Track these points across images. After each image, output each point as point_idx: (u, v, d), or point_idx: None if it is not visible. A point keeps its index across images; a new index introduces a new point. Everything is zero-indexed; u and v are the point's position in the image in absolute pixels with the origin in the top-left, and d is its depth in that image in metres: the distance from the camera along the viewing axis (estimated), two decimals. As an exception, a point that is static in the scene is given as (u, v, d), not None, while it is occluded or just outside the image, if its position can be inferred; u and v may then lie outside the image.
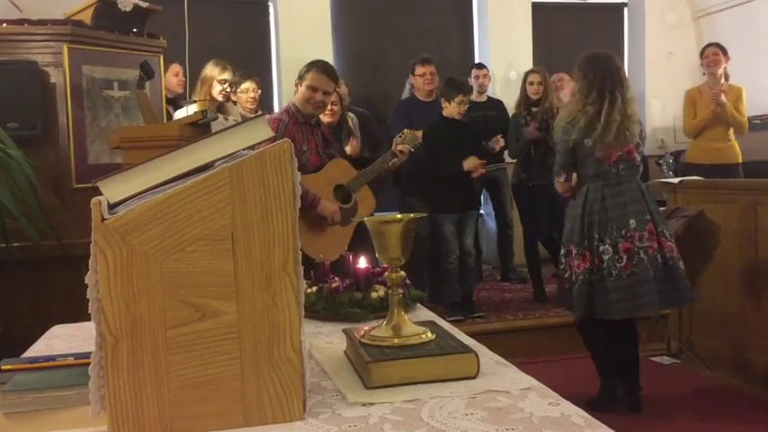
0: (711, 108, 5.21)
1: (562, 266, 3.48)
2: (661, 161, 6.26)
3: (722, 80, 5.33)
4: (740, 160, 5.33)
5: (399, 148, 3.96)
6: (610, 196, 3.31)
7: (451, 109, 4.74)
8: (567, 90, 5.57)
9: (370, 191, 3.90)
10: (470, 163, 4.70)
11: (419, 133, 4.44)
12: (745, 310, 3.95)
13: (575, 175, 3.44)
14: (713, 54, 5.31)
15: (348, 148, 4.88)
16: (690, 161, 5.48)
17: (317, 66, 3.69)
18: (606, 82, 3.33)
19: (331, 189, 3.73)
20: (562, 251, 3.48)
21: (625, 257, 3.25)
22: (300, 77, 3.67)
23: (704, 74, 5.44)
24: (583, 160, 3.37)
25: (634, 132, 3.34)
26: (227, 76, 4.62)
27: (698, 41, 7.49)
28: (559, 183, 3.49)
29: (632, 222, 3.28)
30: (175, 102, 5.06)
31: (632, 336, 3.49)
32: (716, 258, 4.14)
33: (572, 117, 3.39)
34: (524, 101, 5.46)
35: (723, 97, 5.13)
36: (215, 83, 4.58)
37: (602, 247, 3.29)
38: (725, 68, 5.33)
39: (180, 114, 4.48)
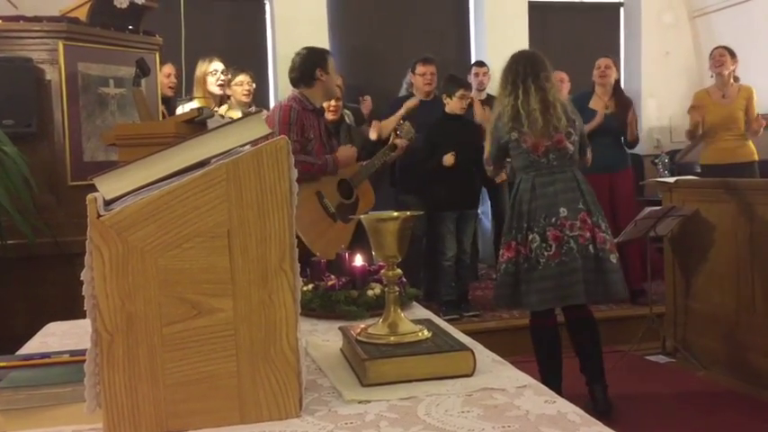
0: (718, 113, 5.28)
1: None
2: (657, 160, 6.27)
3: (730, 81, 5.37)
4: (756, 158, 5.36)
5: (397, 141, 3.99)
6: (540, 186, 3.31)
7: (453, 104, 4.76)
8: (564, 90, 5.58)
9: (369, 186, 3.93)
10: (448, 159, 4.69)
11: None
12: (740, 309, 3.96)
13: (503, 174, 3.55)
14: (719, 55, 5.36)
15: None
16: (705, 163, 5.52)
17: (329, 52, 3.88)
18: (518, 74, 3.36)
19: (335, 183, 3.76)
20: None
21: (554, 246, 3.22)
22: (324, 66, 3.74)
23: (712, 76, 5.47)
24: (513, 153, 3.40)
25: (561, 119, 3.32)
26: (216, 66, 4.62)
27: (694, 41, 7.51)
28: (490, 171, 3.65)
29: (563, 211, 3.26)
30: (167, 103, 5.04)
31: (592, 331, 3.43)
32: (711, 257, 4.15)
33: (497, 113, 3.43)
34: None
35: (698, 117, 5.25)
36: (207, 77, 4.58)
37: (530, 236, 3.27)
38: (733, 70, 5.36)
39: (179, 112, 4.48)
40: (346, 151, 3.78)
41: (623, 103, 5.18)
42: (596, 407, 3.32)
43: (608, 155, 4.96)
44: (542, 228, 3.25)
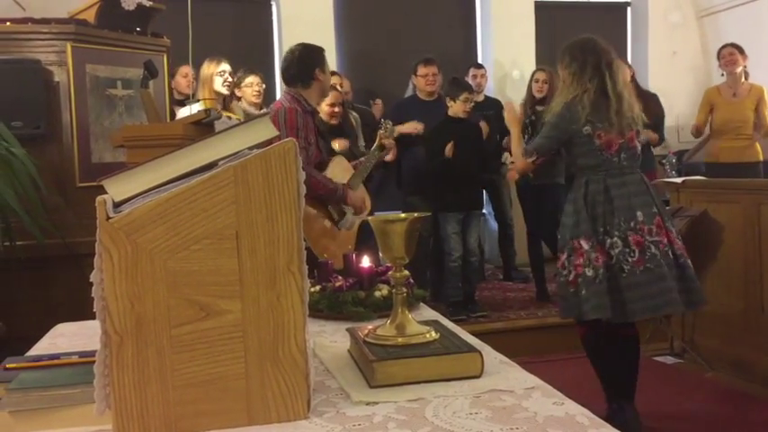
0: (728, 111, 5.26)
1: (564, 270, 3.08)
2: (664, 161, 6.24)
3: (742, 79, 5.34)
4: (761, 158, 5.34)
5: (384, 141, 3.97)
6: (613, 187, 3.02)
7: (457, 108, 4.76)
8: None
9: (365, 190, 3.92)
10: (448, 150, 4.68)
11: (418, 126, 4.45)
12: (748, 310, 3.94)
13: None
14: (729, 54, 5.33)
15: (336, 145, 4.89)
16: (710, 160, 5.50)
17: (321, 48, 3.76)
18: (601, 57, 3.07)
19: None
20: (564, 253, 3.09)
21: (637, 251, 2.93)
22: (322, 67, 3.64)
23: (723, 74, 5.44)
24: (581, 150, 3.07)
25: (636, 112, 3.09)
26: (224, 66, 4.63)
27: (701, 41, 7.48)
28: (523, 162, 3.23)
29: (639, 215, 2.98)
30: (183, 103, 5.06)
31: (637, 352, 3.16)
32: (719, 258, 4.13)
33: (567, 100, 3.08)
34: (530, 100, 5.46)
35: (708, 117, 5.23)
36: (214, 77, 4.59)
37: (609, 241, 2.97)
38: (744, 67, 5.33)
39: (183, 113, 4.49)
40: (358, 196, 3.68)
41: (646, 98, 5.16)
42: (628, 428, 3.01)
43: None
44: (623, 231, 2.96)
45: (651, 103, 5.13)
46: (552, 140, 3.15)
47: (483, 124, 5.34)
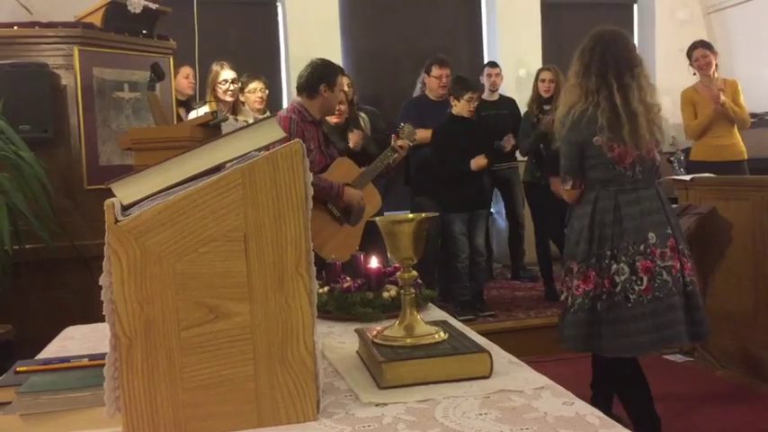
0: (712, 108, 5.18)
1: (562, 291, 2.94)
2: (672, 158, 6.21)
3: (715, 75, 5.30)
4: (745, 157, 5.30)
5: (399, 143, 3.98)
6: (625, 205, 2.74)
7: (461, 107, 4.74)
8: None
9: (374, 189, 3.92)
10: (478, 162, 4.69)
11: (428, 132, 4.40)
12: (757, 308, 3.92)
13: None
14: (703, 57, 5.24)
15: (351, 139, 4.89)
16: (694, 159, 5.46)
17: (340, 69, 3.85)
18: (609, 66, 2.75)
19: None
20: (563, 271, 2.94)
21: (645, 279, 2.68)
22: (330, 83, 3.67)
23: (695, 74, 5.38)
24: (591, 162, 2.79)
25: (661, 126, 2.79)
26: (226, 75, 4.64)
27: (709, 38, 7.43)
28: (567, 191, 2.88)
29: (651, 236, 2.72)
30: (187, 104, 5.08)
31: (645, 389, 2.94)
32: (728, 256, 4.11)
33: (574, 110, 2.80)
34: (536, 99, 5.45)
35: (723, 97, 5.10)
36: (217, 86, 4.61)
37: (614, 267, 2.71)
38: (716, 66, 5.28)
39: (191, 116, 4.50)
40: (355, 194, 3.70)
41: None
42: None
43: None
44: (631, 257, 2.70)
45: None
46: (573, 157, 2.83)
47: (509, 139, 5.36)
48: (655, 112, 2.79)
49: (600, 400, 3.07)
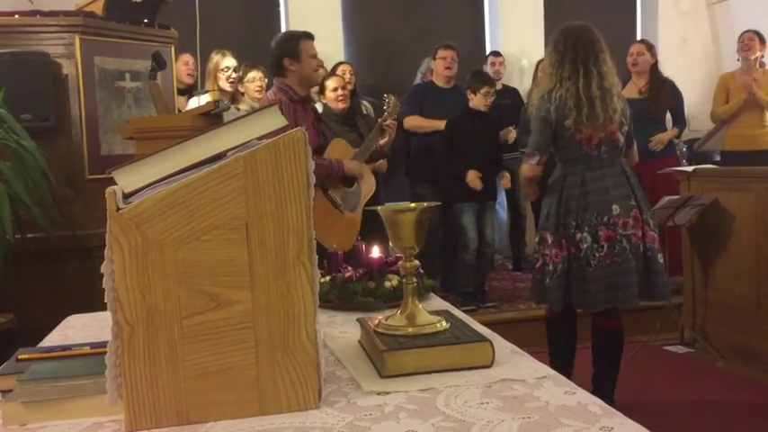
0: (743, 96, 5.20)
1: (536, 255, 3.29)
2: (675, 149, 6.21)
3: (757, 66, 5.31)
4: None
5: (388, 122, 3.94)
6: (590, 181, 3.07)
7: (477, 101, 4.76)
8: None
9: (368, 169, 3.90)
10: (471, 178, 4.67)
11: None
12: (759, 299, 3.92)
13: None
14: (749, 39, 5.31)
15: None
16: (726, 149, 5.47)
17: (300, 34, 3.64)
18: (578, 54, 3.06)
19: None
20: (536, 239, 3.28)
21: (606, 246, 3.02)
22: (293, 56, 3.53)
23: (738, 59, 5.40)
24: (562, 142, 3.11)
25: (617, 109, 3.07)
26: (228, 62, 4.63)
27: (712, 28, 7.41)
28: (531, 167, 3.18)
29: (615, 208, 3.04)
30: (186, 92, 5.07)
31: (619, 346, 3.22)
32: (730, 247, 4.11)
33: (547, 96, 3.10)
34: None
35: (755, 86, 5.11)
36: (218, 74, 4.60)
37: (579, 235, 3.05)
38: (760, 56, 5.30)
39: (192, 105, 4.49)
40: (354, 165, 3.69)
41: (659, 85, 5.12)
42: None
43: (647, 142, 4.95)
44: (594, 227, 3.03)
45: (666, 93, 5.10)
46: (545, 134, 3.13)
47: (509, 131, 5.34)
48: (611, 96, 3.07)
49: (601, 388, 3.14)
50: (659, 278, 3.12)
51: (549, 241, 3.14)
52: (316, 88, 4.47)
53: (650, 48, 5.27)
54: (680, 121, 5.32)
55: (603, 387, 3.16)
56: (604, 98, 3.05)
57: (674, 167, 4.87)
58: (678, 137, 5.29)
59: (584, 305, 3.14)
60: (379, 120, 4.01)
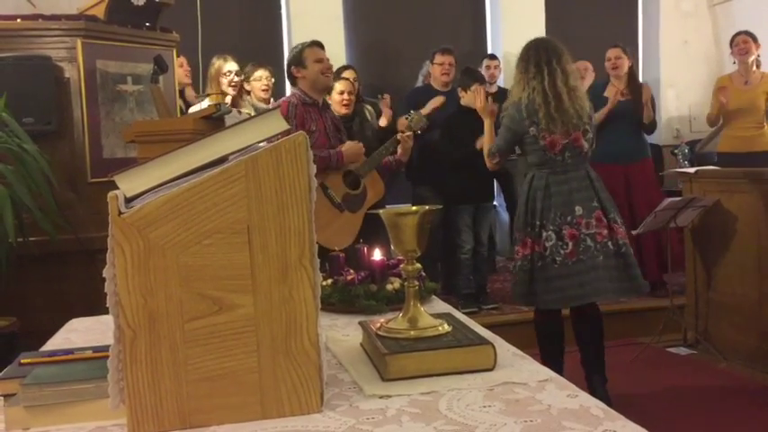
0: (740, 99, 5.21)
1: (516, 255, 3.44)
2: (677, 151, 6.20)
3: (753, 67, 5.30)
4: None
5: (406, 134, 3.96)
6: (554, 184, 3.24)
7: (468, 98, 4.75)
8: (588, 80, 5.55)
9: (378, 176, 3.92)
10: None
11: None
12: (762, 300, 3.92)
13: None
14: (743, 42, 5.28)
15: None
16: (722, 150, 5.47)
17: (306, 44, 3.81)
18: (541, 57, 3.26)
19: (341, 175, 3.77)
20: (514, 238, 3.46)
21: (570, 244, 3.16)
22: (298, 63, 3.72)
23: (734, 62, 5.40)
24: (529, 148, 3.30)
25: (584, 106, 3.25)
26: (229, 67, 4.64)
27: (713, 30, 7.41)
28: (490, 163, 3.47)
29: (578, 209, 3.19)
30: (184, 92, 5.06)
31: (595, 322, 3.39)
32: (732, 248, 4.11)
33: (517, 101, 3.29)
34: None
35: (724, 99, 5.17)
36: (221, 78, 4.61)
37: (544, 234, 3.20)
38: (757, 56, 5.30)
39: (194, 109, 4.50)
40: (352, 147, 3.74)
41: (636, 88, 5.13)
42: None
43: (624, 144, 4.95)
44: (557, 226, 3.19)
45: (634, 94, 5.09)
46: (508, 142, 3.38)
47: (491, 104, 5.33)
48: (577, 94, 3.26)
49: (594, 386, 3.28)
50: (635, 271, 3.25)
51: (518, 239, 3.33)
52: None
53: (626, 51, 5.28)
54: (652, 117, 5.28)
55: (594, 368, 3.35)
56: (571, 94, 3.23)
57: (676, 169, 4.86)
58: (648, 130, 5.24)
59: (548, 303, 3.26)
60: (399, 128, 4.07)
